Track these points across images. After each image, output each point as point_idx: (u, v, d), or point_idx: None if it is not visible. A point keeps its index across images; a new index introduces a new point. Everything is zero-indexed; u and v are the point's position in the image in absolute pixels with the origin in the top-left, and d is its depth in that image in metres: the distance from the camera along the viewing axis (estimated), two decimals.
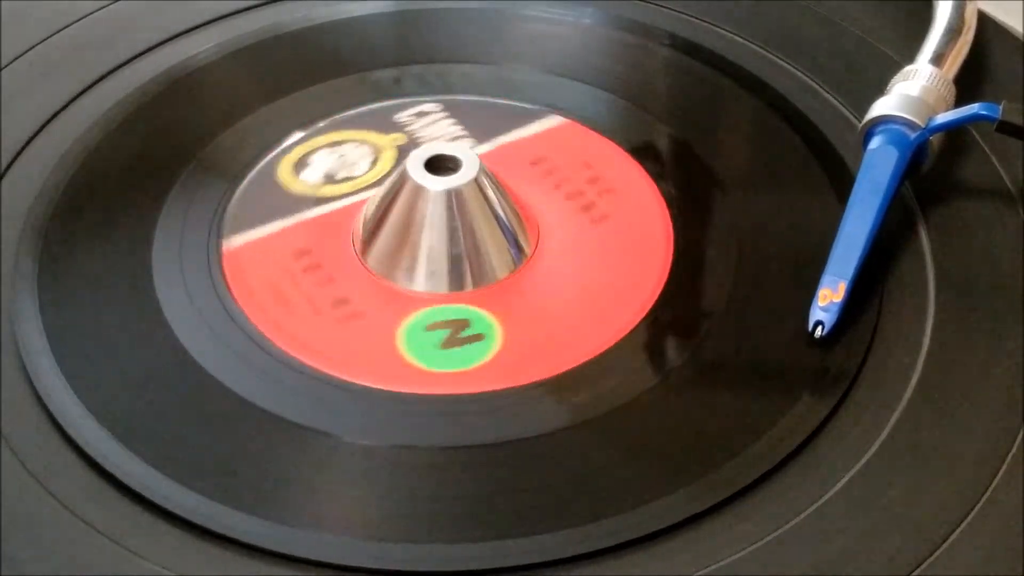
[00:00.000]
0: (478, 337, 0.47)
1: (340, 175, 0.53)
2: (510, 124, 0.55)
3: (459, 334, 0.48)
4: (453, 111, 0.56)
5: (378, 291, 0.49)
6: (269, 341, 0.47)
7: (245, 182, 0.53)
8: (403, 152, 0.53)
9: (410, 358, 0.47)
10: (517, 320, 0.48)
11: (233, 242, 0.51)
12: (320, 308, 0.48)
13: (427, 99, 0.56)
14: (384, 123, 0.55)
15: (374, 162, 0.53)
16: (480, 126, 0.55)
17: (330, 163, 0.53)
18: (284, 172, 0.52)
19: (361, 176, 0.53)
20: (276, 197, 0.52)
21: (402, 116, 0.55)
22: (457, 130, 0.55)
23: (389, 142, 0.53)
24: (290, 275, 0.49)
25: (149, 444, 0.44)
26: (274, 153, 0.54)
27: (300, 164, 0.53)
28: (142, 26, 0.59)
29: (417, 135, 0.54)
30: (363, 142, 0.53)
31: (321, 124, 0.55)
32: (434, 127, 0.55)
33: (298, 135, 0.54)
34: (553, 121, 0.56)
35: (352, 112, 0.56)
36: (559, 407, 0.46)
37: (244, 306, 0.48)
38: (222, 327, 0.48)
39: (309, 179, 0.52)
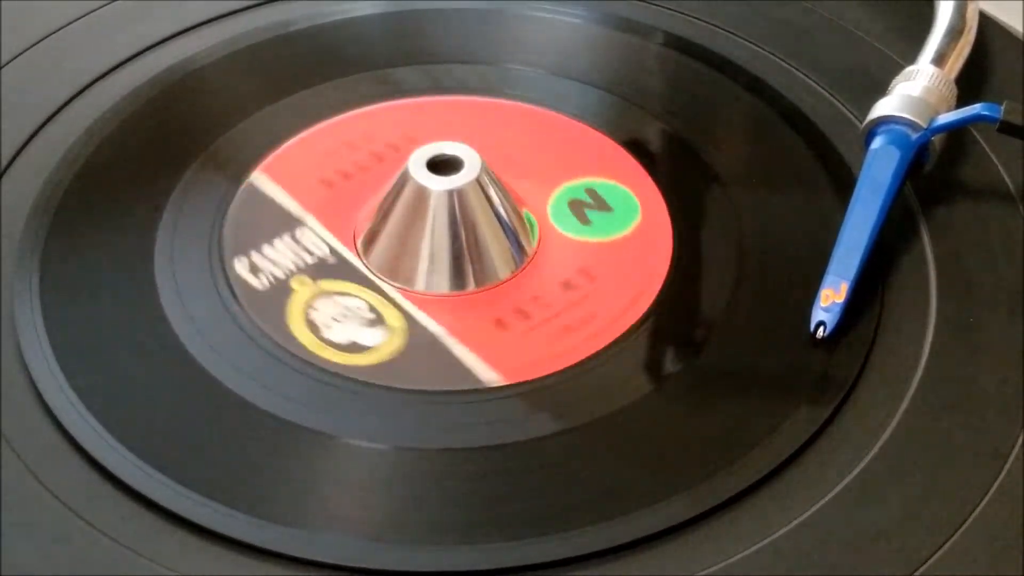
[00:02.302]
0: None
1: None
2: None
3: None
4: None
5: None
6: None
7: (245, 185, 0.53)
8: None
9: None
10: (517, 320, 0.48)
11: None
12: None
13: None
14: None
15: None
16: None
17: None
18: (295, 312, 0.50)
19: None
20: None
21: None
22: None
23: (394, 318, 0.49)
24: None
25: (150, 444, 0.44)
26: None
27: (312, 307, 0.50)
28: (142, 26, 0.59)
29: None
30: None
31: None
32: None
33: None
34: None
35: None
36: (559, 409, 0.45)
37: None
38: (223, 327, 0.47)
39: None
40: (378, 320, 0.48)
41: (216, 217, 0.51)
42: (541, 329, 0.48)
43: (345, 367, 0.46)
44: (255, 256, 0.50)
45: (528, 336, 0.48)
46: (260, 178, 0.53)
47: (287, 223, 0.51)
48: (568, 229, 0.52)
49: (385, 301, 0.49)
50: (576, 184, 0.53)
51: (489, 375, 0.46)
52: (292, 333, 0.47)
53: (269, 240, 0.50)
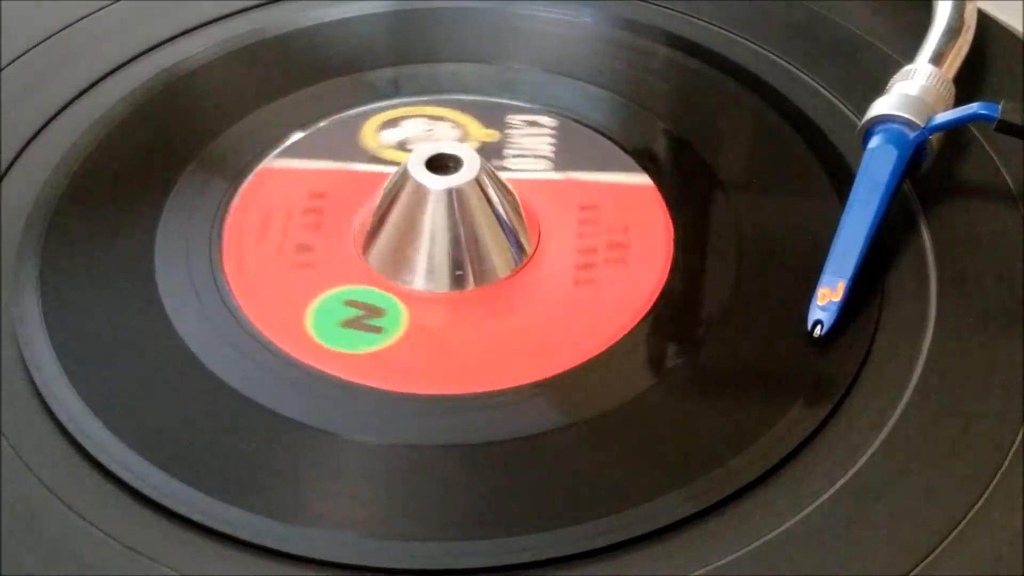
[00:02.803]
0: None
1: (412, 145, 0.53)
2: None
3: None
4: (562, 134, 0.55)
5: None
6: (271, 340, 0.47)
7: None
8: (487, 149, 0.54)
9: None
10: (518, 319, 0.48)
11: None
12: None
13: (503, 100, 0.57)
14: (492, 118, 0.55)
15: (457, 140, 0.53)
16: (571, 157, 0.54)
17: (416, 132, 0.53)
18: (370, 128, 0.52)
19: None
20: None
21: (514, 119, 0.55)
22: (549, 151, 0.54)
23: (483, 135, 0.53)
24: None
25: (150, 442, 0.44)
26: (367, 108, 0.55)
27: (390, 123, 0.53)
28: (142, 26, 0.59)
29: (511, 140, 0.54)
30: (459, 125, 0.53)
31: (440, 97, 0.55)
32: (531, 139, 0.54)
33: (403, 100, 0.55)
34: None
35: (469, 98, 0.56)
36: (559, 406, 0.46)
37: (246, 305, 0.48)
38: (224, 326, 0.48)
39: (388, 139, 0.52)
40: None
41: (215, 216, 0.51)
42: (541, 328, 0.48)
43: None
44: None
45: (528, 335, 0.48)
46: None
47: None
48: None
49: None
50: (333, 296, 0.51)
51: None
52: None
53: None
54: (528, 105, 0.56)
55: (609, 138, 0.55)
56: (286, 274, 0.50)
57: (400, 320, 0.48)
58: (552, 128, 0.55)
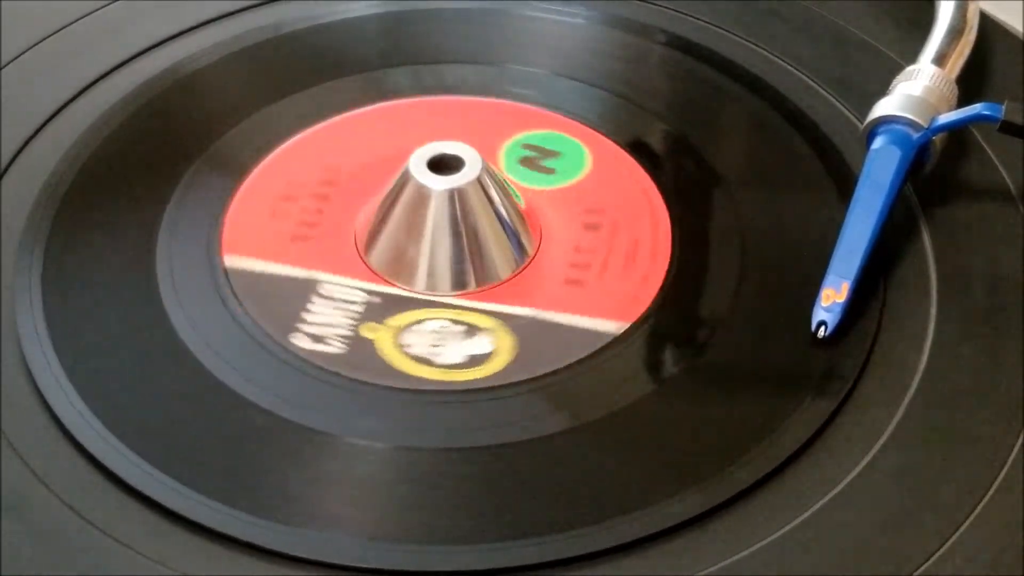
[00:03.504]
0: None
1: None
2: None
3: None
4: None
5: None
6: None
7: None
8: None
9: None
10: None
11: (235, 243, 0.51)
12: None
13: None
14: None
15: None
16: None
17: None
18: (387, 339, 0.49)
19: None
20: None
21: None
22: None
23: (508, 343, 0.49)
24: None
25: (150, 442, 0.44)
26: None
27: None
28: (142, 26, 0.59)
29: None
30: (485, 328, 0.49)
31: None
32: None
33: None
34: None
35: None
36: (561, 408, 0.45)
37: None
38: (224, 326, 0.47)
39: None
40: (471, 328, 0.48)
41: (216, 216, 0.51)
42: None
43: (493, 377, 0.46)
44: (307, 327, 0.48)
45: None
46: (234, 260, 0.50)
47: (302, 287, 0.50)
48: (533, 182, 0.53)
49: (459, 311, 0.48)
50: (512, 143, 0.54)
51: (602, 326, 0.47)
52: (412, 374, 0.46)
53: (304, 307, 0.49)
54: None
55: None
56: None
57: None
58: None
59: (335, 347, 0.47)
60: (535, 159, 0.54)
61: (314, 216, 0.52)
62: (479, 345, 0.47)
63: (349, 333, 0.48)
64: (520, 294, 0.49)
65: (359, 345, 0.47)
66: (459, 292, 0.49)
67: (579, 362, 0.47)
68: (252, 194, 0.52)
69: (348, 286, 0.49)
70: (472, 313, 0.48)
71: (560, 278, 0.50)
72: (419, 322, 0.48)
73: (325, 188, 0.53)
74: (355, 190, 0.52)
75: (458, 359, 0.47)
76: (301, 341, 0.47)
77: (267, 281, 0.49)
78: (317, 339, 0.47)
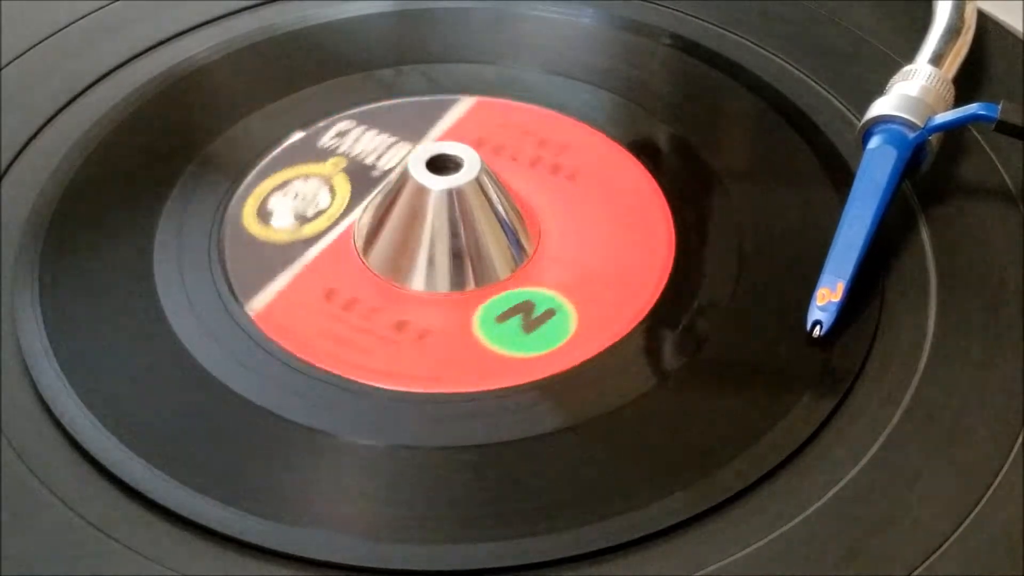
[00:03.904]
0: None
1: (309, 212, 0.52)
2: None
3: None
4: (369, 122, 0.55)
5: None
6: (269, 340, 0.47)
7: (243, 185, 0.53)
8: (351, 174, 0.53)
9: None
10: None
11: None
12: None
13: (349, 113, 0.56)
14: (312, 153, 0.54)
15: (332, 190, 0.52)
16: (406, 127, 0.55)
17: (291, 205, 0.52)
18: (253, 226, 0.51)
19: (329, 207, 0.52)
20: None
21: (325, 141, 0.54)
22: (385, 138, 0.54)
23: (331, 168, 0.53)
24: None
25: (150, 443, 0.44)
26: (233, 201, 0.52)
27: (263, 214, 0.52)
28: (142, 26, 0.59)
29: (351, 153, 0.54)
30: (307, 176, 0.53)
31: (252, 173, 0.53)
32: (361, 142, 0.54)
33: (245, 181, 0.53)
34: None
35: (277, 150, 0.54)
36: (560, 407, 0.46)
37: (244, 305, 0.48)
38: (223, 327, 0.48)
39: (282, 225, 0.51)
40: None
41: (216, 216, 0.51)
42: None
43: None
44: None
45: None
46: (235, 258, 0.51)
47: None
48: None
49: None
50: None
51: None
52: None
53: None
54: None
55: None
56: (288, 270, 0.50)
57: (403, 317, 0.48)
58: (356, 124, 0.55)
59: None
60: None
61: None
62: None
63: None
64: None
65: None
66: (458, 292, 0.49)
67: (579, 362, 0.47)
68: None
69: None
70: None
71: (557, 278, 0.50)
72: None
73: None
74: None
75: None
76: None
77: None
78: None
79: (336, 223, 0.52)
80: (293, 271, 0.50)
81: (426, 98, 0.57)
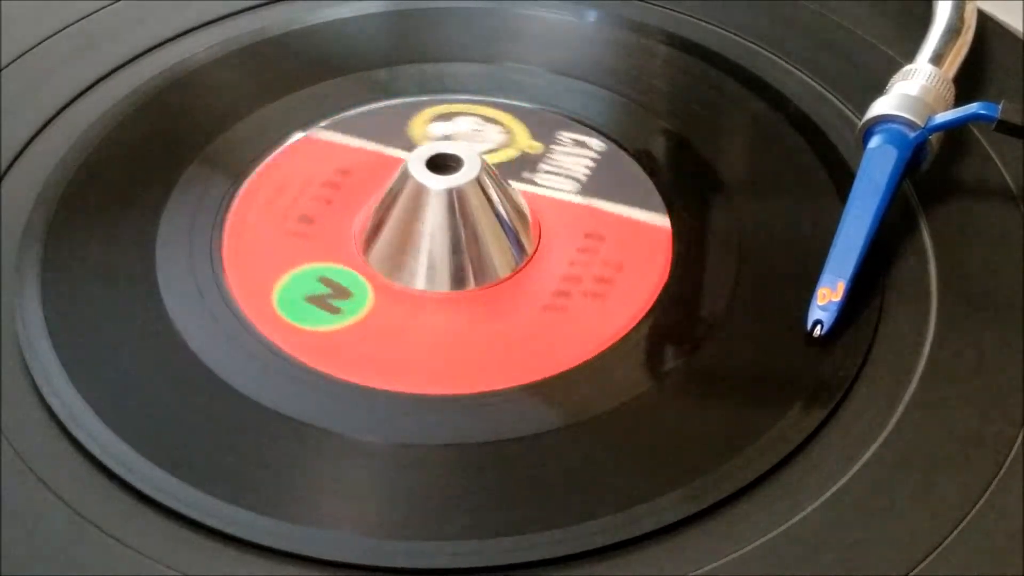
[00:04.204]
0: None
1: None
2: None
3: None
4: (605, 160, 0.54)
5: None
6: (272, 340, 0.47)
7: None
8: (526, 159, 0.54)
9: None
10: (518, 319, 0.48)
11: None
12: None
13: (463, 98, 0.57)
14: (543, 131, 0.55)
15: (500, 145, 0.53)
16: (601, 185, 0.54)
17: (464, 129, 0.53)
18: (422, 118, 0.53)
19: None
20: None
21: (564, 135, 0.55)
22: (583, 174, 0.53)
23: (527, 145, 0.53)
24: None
25: (151, 441, 0.44)
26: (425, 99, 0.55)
27: (443, 116, 0.54)
28: (142, 26, 0.59)
29: (551, 156, 0.54)
30: (508, 131, 0.54)
31: (502, 100, 0.55)
32: (571, 159, 0.54)
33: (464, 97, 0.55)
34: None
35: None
36: (558, 406, 0.46)
37: (246, 305, 0.48)
38: (224, 325, 0.48)
39: (434, 131, 0.53)
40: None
41: (216, 216, 0.51)
42: (541, 328, 0.48)
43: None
44: None
45: (528, 335, 0.48)
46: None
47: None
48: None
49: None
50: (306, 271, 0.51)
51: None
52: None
53: None
54: (528, 105, 0.56)
55: (610, 137, 0.55)
56: (280, 242, 0.50)
57: (362, 306, 0.48)
58: (597, 152, 0.54)
59: None
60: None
61: (314, 215, 0.52)
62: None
63: None
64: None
65: None
66: (458, 291, 0.49)
67: (578, 363, 0.47)
68: (252, 194, 0.52)
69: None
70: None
71: (558, 278, 0.50)
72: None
73: (326, 188, 0.53)
74: (355, 190, 0.53)
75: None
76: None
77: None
78: None
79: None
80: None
81: (425, 98, 0.57)
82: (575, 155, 0.53)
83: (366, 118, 0.55)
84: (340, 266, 0.50)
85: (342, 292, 0.49)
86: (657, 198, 0.52)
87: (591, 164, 0.53)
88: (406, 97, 0.57)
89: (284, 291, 0.49)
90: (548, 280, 0.50)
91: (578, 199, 0.52)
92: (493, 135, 0.54)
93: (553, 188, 0.53)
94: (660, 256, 0.50)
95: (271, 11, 0.61)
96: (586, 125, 0.55)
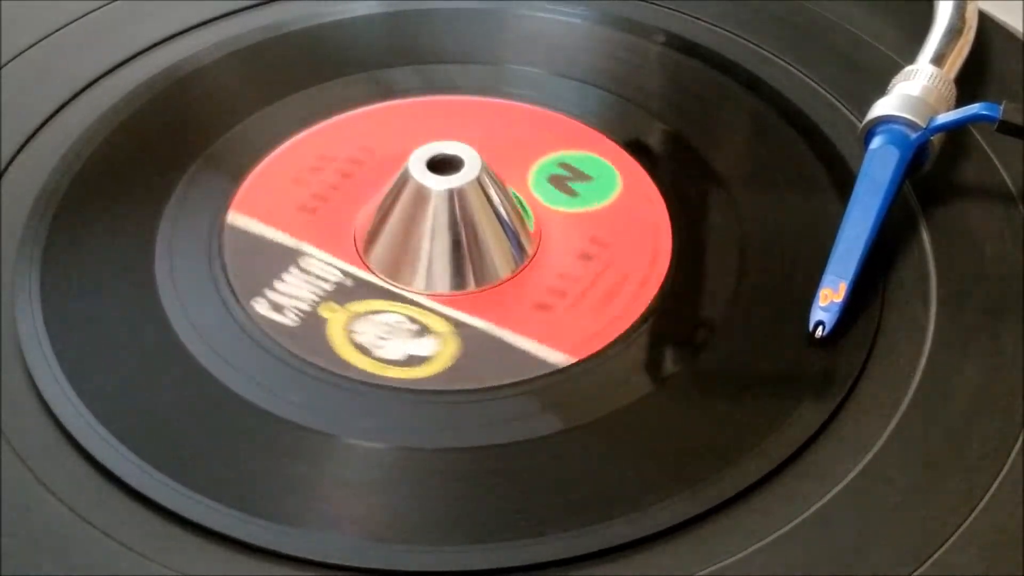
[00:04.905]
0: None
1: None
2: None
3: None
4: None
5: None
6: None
7: (247, 182, 0.53)
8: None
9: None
10: (518, 319, 0.48)
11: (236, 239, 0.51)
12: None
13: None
14: None
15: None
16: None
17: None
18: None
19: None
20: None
21: None
22: None
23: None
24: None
25: (150, 443, 0.44)
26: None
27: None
28: (142, 26, 0.59)
29: None
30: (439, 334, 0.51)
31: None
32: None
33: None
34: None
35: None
36: (560, 408, 0.46)
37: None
38: (223, 326, 0.48)
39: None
40: (424, 330, 0.48)
41: (215, 216, 0.51)
42: (541, 328, 0.48)
43: (416, 381, 0.46)
44: (271, 295, 0.49)
45: (528, 335, 0.48)
46: (237, 217, 0.51)
47: (286, 255, 0.50)
48: (557, 203, 0.52)
49: (420, 310, 0.49)
50: (549, 160, 0.54)
51: (553, 356, 0.47)
52: (346, 360, 0.47)
53: (277, 276, 0.49)
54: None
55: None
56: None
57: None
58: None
59: (288, 319, 0.48)
60: (566, 179, 0.53)
61: (315, 213, 0.52)
62: (424, 346, 0.47)
63: (308, 309, 0.48)
64: (519, 294, 0.49)
65: (311, 322, 0.48)
66: (458, 292, 0.49)
67: (578, 363, 0.47)
68: (252, 194, 0.52)
69: (325, 262, 0.50)
70: (432, 315, 0.48)
71: (558, 278, 0.50)
72: (376, 312, 0.48)
73: (326, 188, 0.53)
74: (355, 190, 0.52)
75: (397, 356, 0.47)
76: (261, 307, 0.48)
77: (294, 316, 0.49)
78: (277, 308, 0.48)
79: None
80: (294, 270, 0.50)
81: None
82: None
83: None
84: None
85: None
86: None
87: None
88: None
89: None
90: (548, 281, 0.50)
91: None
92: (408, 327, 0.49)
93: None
94: (661, 257, 0.50)
95: (271, 11, 0.61)
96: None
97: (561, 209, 0.52)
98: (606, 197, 0.53)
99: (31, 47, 0.58)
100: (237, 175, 0.53)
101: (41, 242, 0.50)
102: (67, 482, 0.43)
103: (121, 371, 0.46)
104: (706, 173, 0.54)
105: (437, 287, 0.49)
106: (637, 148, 0.54)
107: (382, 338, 0.47)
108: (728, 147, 0.56)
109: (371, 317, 0.48)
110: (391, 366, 0.47)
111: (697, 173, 0.54)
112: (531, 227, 0.51)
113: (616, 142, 0.55)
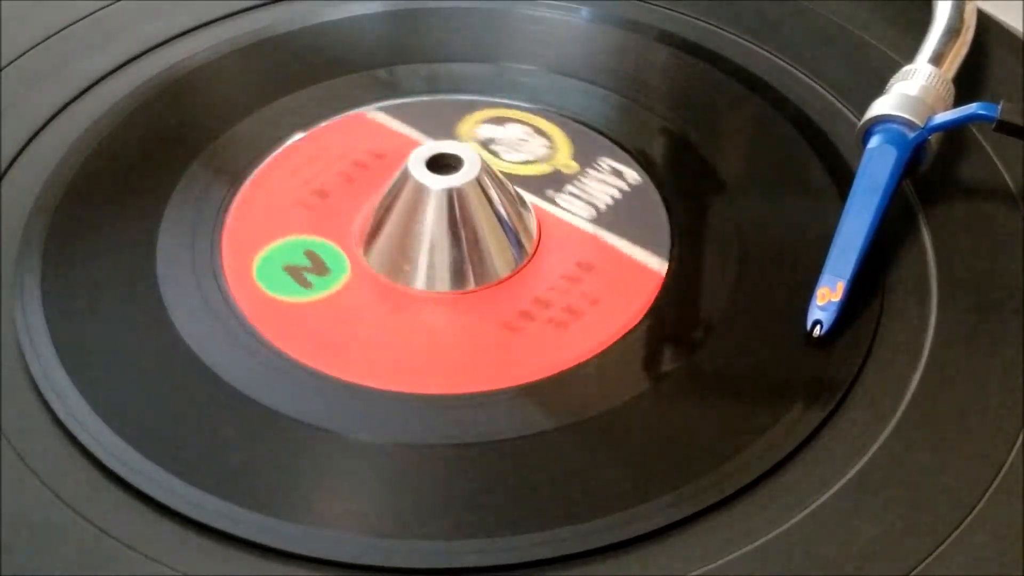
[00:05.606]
0: None
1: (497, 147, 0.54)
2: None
3: None
4: (632, 194, 0.53)
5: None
6: (271, 340, 0.47)
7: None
8: (558, 177, 0.53)
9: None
10: (517, 319, 0.48)
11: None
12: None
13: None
14: (586, 153, 0.54)
15: (539, 158, 0.53)
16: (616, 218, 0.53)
17: (510, 137, 0.53)
18: (473, 117, 0.53)
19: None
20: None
21: (604, 161, 0.54)
22: (604, 203, 0.52)
23: (564, 164, 0.53)
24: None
25: (152, 441, 0.44)
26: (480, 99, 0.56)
27: (495, 120, 0.54)
28: (142, 26, 0.59)
29: (582, 180, 0.53)
30: (553, 146, 0.53)
31: (559, 111, 0.55)
32: (599, 186, 0.53)
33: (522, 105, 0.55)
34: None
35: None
36: (557, 407, 0.46)
37: (246, 305, 0.48)
38: (225, 325, 0.48)
39: (481, 134, 0.53)
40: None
41: (216, 215, 0.51)
42: (540, 329, 0.48)
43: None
44: None
45: (527, 336, 0.48)
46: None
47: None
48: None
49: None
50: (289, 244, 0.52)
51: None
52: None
53: None
54: (529, 105, 0.56)
55: (610, 137, 0.55)
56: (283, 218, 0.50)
57: (335, 282, 0.49)
58: (629, 185, 0.53)
59: None
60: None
61: (314, 211, 0.52)
62: None
63: None
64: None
65: None
66: (458, 291, 0.49)
67: (577, 363, 0.47)
68: (251, 195, 0.53)
69: None
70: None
71: (557, 278, 0.50)
72: None
73: (326, 188, 0.53)
74: (355, 189, 0.53)
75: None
76: None
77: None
78: None
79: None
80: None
81: (425, 98, 0.57)
82: (604, 183, 0.53)
83: (419, 107, 0.56)
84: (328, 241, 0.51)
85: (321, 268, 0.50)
86: (657, 198, 0.52)
87: (615, 196, 0.53)
88: (527, 103, 0.56)
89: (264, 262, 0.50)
90: (548, 280, 0.50)
91: (587, 227, 0.52)
92: (536, 147, 0.54)
93: (567, 211, 0.52)
94: (660, 257, 0.50)
95: (271, 11, 0.61)
96: (585, 125, 0.55)
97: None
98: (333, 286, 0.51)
99: (32, 48, 0.58)
100: (237, 175, 0.53)
101: (42, 242, 0.50)
102: (67, 482, 0.43)
103: (122, 370, 0.46)
104: (706, 173, 0.54)
105: (437, 287, 0.49)
106: (636, 148, 0.54)
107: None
108: (727, 146, 0.56)
109: None
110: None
111: (697, 172, 0.54)
112: (531, 227, 0.51)
113: (617, 142, 0.55)
